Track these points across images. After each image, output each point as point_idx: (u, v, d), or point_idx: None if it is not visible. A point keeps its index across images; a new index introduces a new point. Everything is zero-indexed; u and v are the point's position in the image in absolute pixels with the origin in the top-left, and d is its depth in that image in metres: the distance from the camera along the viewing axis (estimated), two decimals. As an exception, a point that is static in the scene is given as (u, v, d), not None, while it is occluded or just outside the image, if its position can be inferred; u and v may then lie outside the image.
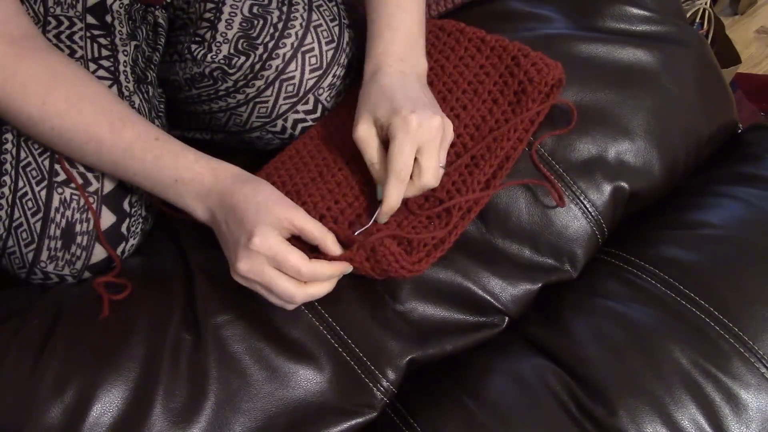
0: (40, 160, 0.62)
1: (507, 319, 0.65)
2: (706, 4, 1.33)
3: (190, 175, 0.58)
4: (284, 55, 0.67)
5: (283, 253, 0.53)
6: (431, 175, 0.58)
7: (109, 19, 0.69)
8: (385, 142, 0.59)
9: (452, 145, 0.63)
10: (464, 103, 0.66)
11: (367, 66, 0.64)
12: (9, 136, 0.63)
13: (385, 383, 0.60)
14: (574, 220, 0.66)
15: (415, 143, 0.56)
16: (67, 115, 0.58)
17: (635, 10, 0.76)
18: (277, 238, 0.54)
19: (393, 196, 0.57)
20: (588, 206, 0.66)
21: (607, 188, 0.67)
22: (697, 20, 1.33)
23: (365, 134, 0.59)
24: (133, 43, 0.70)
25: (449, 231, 0.60)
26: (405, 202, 0.60)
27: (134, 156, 0.58)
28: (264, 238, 0.53)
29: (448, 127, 0.60)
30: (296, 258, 0.54)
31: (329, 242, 0.56)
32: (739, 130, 0.82)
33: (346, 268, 0.57)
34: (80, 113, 0.58)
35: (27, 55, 0.58)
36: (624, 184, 0.68)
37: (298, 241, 0.58)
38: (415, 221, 0.60)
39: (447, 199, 0.61)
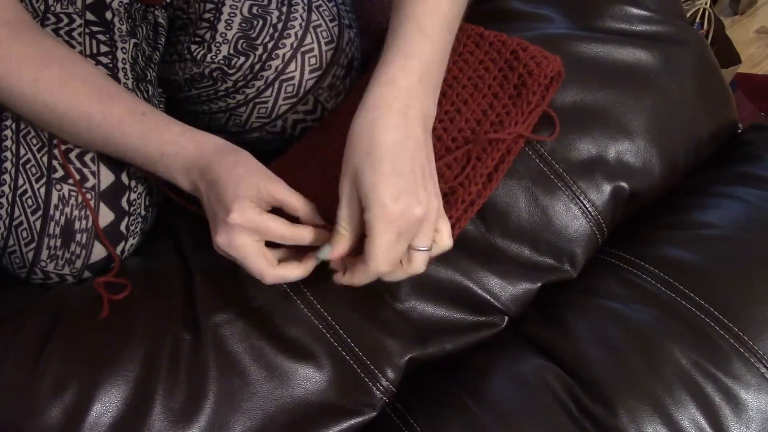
0: (38, 156, 0.62)
1: (507, 318, 0.65)
2: (706, 4, 1.33)
3: (174, 148, 0.58)
4: (284, 55, 0.67)
5: (264, 222, 0.53)
6: (388, 265, 0.52)
7: (108, 16, 0.69)
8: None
9: (453, 140, 0.64)
10: (465, 98, 0.66)
11: (370, 90, 0.54)
12: (8, 132, 0.63)
13: (384, 382, 0.60)
14: (573, 219, 0.66)
15: (395, 232, 0.50)
16: (59, 91, 0.58)
17: (635, 10, 0.76)
18: (255, 210, 0.54)
19: (357, 281, 0.55)
20: (588, 206, 0.66)
21: (607, 188, 0.67)
22: (697, 20, 1.33)
23: (348, 196, 0.52)
24: (133, 41, 0.70)
25: (452, 224, 0.60)
26: None
27: (123, 131, 0.59)
28: (242, 212, 0.53)
29: (431, 212, 0.52)
30: (278, 225, 0.54)
31: (310, 212, 0.56)
32: (739, 130, 0.82)
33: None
34: (72, 90, 0.59)
35: (21, 36, 0.59)
36: (624, 184, 0.68)
37: (281, 213, 0.57)
38: None
39: (450, 192, 0.61)
